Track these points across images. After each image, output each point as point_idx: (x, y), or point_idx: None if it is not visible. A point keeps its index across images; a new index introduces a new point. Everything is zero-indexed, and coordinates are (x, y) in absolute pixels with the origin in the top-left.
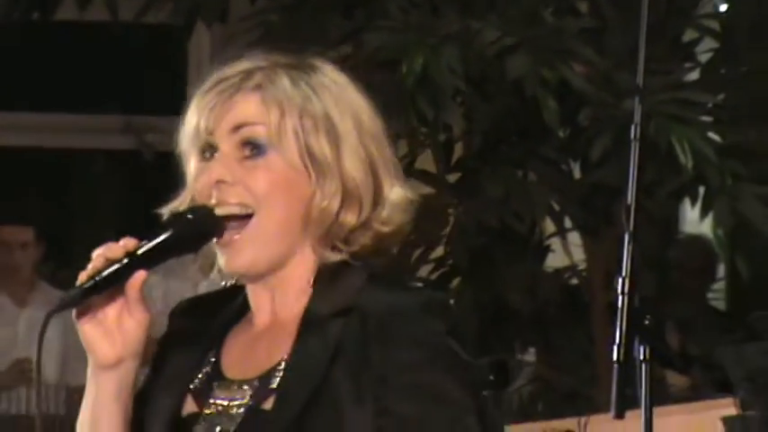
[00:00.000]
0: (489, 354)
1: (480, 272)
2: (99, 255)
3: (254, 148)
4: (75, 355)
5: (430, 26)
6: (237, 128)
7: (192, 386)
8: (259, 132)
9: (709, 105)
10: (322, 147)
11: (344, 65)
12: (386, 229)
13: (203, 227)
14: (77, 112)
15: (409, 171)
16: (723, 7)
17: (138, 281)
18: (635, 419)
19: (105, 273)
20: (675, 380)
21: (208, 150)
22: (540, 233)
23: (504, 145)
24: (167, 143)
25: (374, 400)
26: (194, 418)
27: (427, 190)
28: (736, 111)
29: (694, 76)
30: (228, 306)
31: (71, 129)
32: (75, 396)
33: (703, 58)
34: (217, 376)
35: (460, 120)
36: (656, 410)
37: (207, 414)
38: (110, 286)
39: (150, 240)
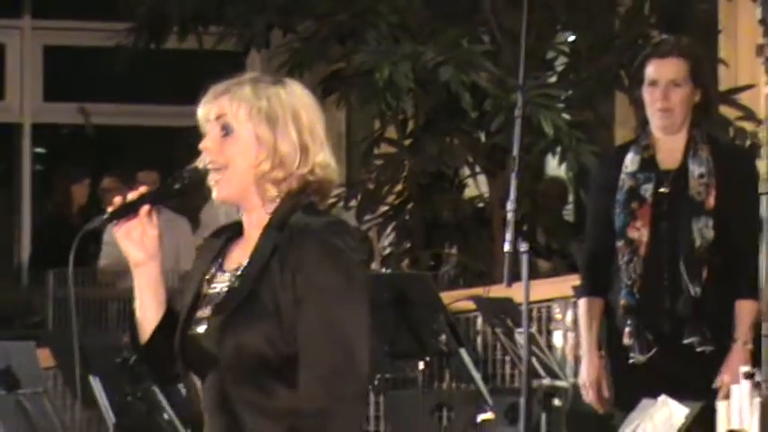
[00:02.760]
0: (430, 249)
1: (425, 199)
2: (121, 197)
3: (225, 129)
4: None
5: (393, 50)
6: (218, 117)
7: (207, 276)
8: (228, 120)
9: (562, 97)
10: (263, 131)
11: (340, 74)
12: (311, 178)
13: (192, 181)
14: (176, 104)
15: (380, 138)
16: (571, 38)
17: (144, 211)
18: (519, 288)
19: (120, 206)
20: (543, 264)
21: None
22: (460, 176)
23: (438, 122)
24: None
25: (291, 286)
26: (205, 296)
27: (392, 149)
28: (579, 100)
29: (553, 79)
30: (233, 229)
31: (172, 114)
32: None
33: (559, 68)
34: (220, 269)
35: (411, 106)
36: (532, 282)
37: (210, 293)
38: (127, 214)
39: (162, 189)
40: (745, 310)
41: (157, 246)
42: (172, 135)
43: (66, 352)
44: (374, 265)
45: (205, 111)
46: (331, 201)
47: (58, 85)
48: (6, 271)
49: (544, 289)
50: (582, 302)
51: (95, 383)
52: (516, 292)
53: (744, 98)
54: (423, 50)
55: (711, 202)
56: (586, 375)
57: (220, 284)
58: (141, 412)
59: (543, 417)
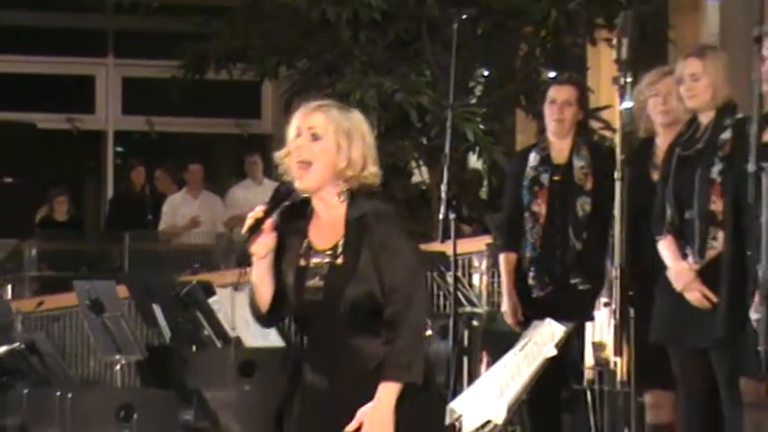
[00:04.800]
0: None
1: (384, 184)
2: (251, 217)
3: (315, 137)
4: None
5: (363, 81)
6: (310, 127)
7: (300, 252)
8: (318, 130)
9: (479, 113)
10: (341, 142)
11: (329, 96)
12: (366, 180)
13: (287, 192)
14: (212, 117)
15: None
16: (486, 72)
17: (269, 224)
18: (449, 245)
19: (255, 224)
20: (465, 228)
21: (298, 133)
22: (409, 167)
23: (394, 130)
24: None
25: (380, 251)
26: (305, 268)
27: None
28: (491, 116)
29: (474, 100)
30: (304, 212)
31: (209, 126)
32: None
33: (477, 93)
34: (310, 248)
35: (375, 119)
36: (458, 240)
37: (311, 266)
38: (258, 228)
39: (269, 205)
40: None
41: (272, 246)
42: (211, 139)
43: (137, 288)
44: None
45: (300, 121)
46: None
47: (132, 103)
48: (96, 233)
49: (466, 245)
50: (502, 256)
51: (156, 310)
52: (447, 248)
53: (604, 114)
54: (383, 81)
55: (589, 185)
56: (508, 306)
57: (320, 259)
58: (188, 330)
59: (466, 334)
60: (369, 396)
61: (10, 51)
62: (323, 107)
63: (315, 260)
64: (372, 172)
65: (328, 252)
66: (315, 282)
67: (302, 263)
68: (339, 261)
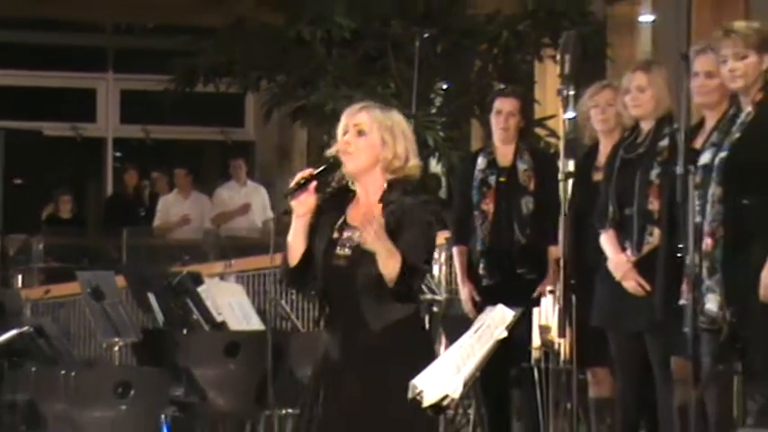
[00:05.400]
0: None
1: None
2: (299, 175)
3: (360, 133)
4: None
5: (335, 93)
6: (356, 125)
7: (336, 226)
8: (363, 127)
9: (439, 122)
10: (386, 136)
11: (303, 108)
12: (409, 172)
13: (332, 166)
14: (202, 126)
15: (327, 146)
16: (445, 86)
17: (312, 185)
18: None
19: (302, 182)
20: None
21: (346, 131)
22: None
23: None
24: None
25: (398, 236)
26: (337, 239)
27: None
28: (449, 124)
29: (434, 111)
30: (346, 196)
31: (198, 134)
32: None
33: (437, 104)
34: (345, 224)
35: None
36: None
37: (343, 237)
38: (303, 187)
39: (317, 171)
40: (552, 253)
41: (312, 206)
42: (199, 145)
43: (133, 277)
44: None
45: (347, 120)
46: None
47: (129, 113)
48: (97, 229)
49: None
50: (455, 249)
51: (151, 297)
52: None
53: (550, 123)
54: (354, 93)
55: (532, 186)
56: (464, 294)
57: (351, 233)
58: (179, 315)
59: (427, 318)
60: (377, 361)
61: (20, 67)
62: (366, 107)
63: (346, 234)
64: (415, 164)
65: (359, 228)
66: (342, 251)
67: (335, 235)
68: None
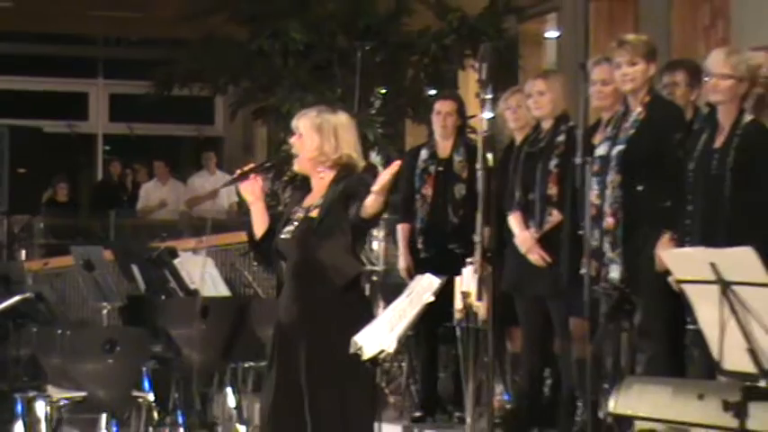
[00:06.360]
0: None
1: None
2: (242, 169)
3: (299, 136)
4: None
5: (291, 96)
6: (295, 129)
7: (293, 210)
8: (300, 131)
9: (378, 121)
10: (315, 136)
11: (264, 108)
12: (341, 161)
13: (277, 162)
14: (177, 123)
15: (284, 141)
16: (383, 90)
17: (252, 176)
18: None
19: (244, 174)
20: None
21: (293, 133)
22: None
23: None
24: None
25: (346, 207)
26: (290, 218)
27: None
28: (386, 123)
29: (373, 111)
30: (308, 187)
31: (175, 130)
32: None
33: (377, 106)
34: (299, 207)
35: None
36: None
37: (294, 217)
38: (246, 177)
39: (256, 165)
40: (486, 233)
41: (261, 193)
42: (176, 140)
43: (119, 252)
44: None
45: (293, 124)
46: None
47: (116, 113)
48: (89, 211)
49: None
50: (399, 226)
51: (134, 268)
52: None
53: (471, 122)
54: (306, 96)
55: (465, 175)
56: (403, 264)
57: (299, 214)
58: (158, 283)
59: (367, 286)
60: (321, 324)
61: (23, 73)
62: (305, 113)
63: (298, 214)
64: (346, 154)
65: (305, 207)
66: (292, 227)
67: (290, 216)
68: (312, 214)
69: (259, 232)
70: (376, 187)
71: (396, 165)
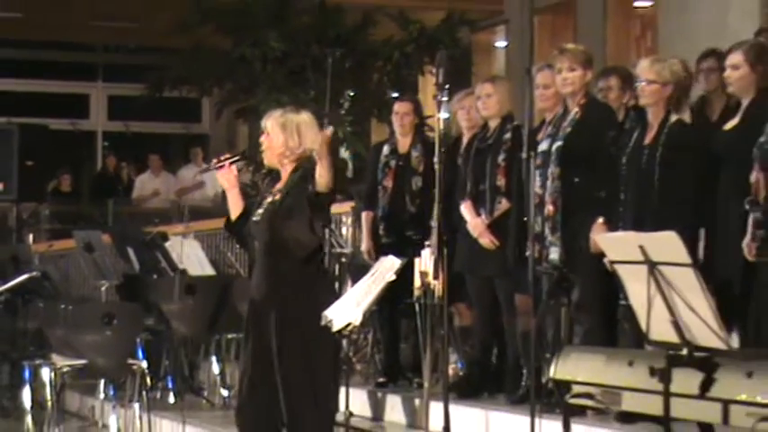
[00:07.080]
0: None
1: None
2: (218, 158)
3: (266, 134)
4: None
5: (269, 97)
6: (264, 128)
7: (264, 196)
8: (267, 130)
9: (348, 120)
10: (279, 133)
11: (246, 108)
12: (304, 154)
13: (248, 155)
14: (169, 122)
15: None
16: (352, 93)
17: (227, 164)
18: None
19: (220, 163)
20: (338, 197)
21: (262, 132)
22: None
23: None
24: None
25: (306, 192)
26: (260, 204)
27: None
28: (355, 121)
29: (343, 111)
30: (278, 177)
31: (166, 128)
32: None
33: (346, 106)
34: (270, 194)
35: None
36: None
37: (264, 203)
38: (222, 166)
39: (229, 156)
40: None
41: (236, 181)
42: (167, 136)
43: (116, 236)
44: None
45: (262, 124)
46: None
47: (114, 112)
48: (89, 199)
49: (338, 208)
50: (363, 214)
51: (130, 251)
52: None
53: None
54: (282, 97)
55: (421, 168)
56: (366, 247)
57: (267, 200)
58: (151, 264)
59: (337, 267)
60: (289, 299)
61: (31, 77)
62: (271, 113)
63: (267, 200)
64: (309, 148)
65: (272, 193)
66: (261, 209)
67: (261, 201)
68: (276, 198)
69: (234, 215)
70: (316, 154)
71: (328, 132)
